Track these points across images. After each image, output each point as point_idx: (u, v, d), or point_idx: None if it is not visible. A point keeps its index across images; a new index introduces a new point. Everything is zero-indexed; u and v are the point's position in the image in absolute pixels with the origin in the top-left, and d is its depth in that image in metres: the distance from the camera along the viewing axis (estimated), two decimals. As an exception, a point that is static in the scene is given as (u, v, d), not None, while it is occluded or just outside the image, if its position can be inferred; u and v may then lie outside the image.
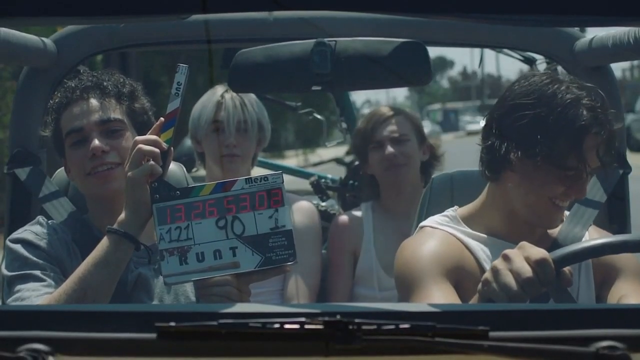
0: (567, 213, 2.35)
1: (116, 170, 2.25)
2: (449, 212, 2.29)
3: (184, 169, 2.60)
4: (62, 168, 2.66)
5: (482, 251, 2.18)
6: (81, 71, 2.49)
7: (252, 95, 3.27)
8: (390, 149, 3.23)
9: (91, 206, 2.36)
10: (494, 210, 2.22)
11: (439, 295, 2.05)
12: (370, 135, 3.28)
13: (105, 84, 2.33)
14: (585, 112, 2.06)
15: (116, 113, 2.31)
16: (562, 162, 2.06)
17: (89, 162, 2.25)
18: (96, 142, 2.24)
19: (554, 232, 2.27)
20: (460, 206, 2.32)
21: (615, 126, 2.14)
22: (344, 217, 3.38)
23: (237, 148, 3.21)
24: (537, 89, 2.10)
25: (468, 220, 2.25)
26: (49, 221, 2.33)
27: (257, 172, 3.49)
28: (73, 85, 2.34)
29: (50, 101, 2.39)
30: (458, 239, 2.21)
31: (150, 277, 2.27)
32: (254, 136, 3.25)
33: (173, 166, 2.57)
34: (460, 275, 2.13)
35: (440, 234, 2.21)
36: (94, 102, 2.30)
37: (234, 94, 3.20)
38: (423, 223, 2.30)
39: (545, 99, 2.08)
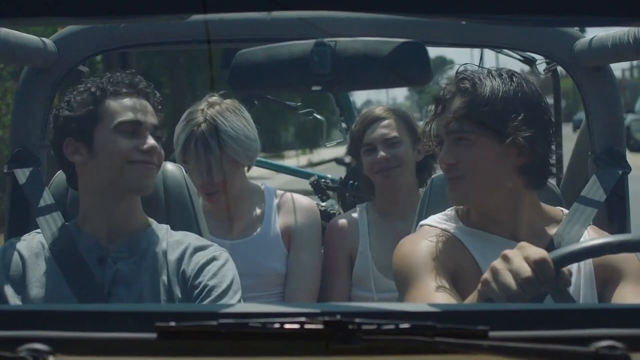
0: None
1: (155, 170, 2.37)
2: (448, 211, 2.35)
3: (183, 171, 2.59)
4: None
5: (476, 246, 2.22)
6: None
7: (230, 116, 2.96)
8: (382, 152, 3.17)
9: (89, 205, 2.36)
10: None
11: (435, 287, 2.08)
12: (362, 137, 3.22)
13: (146, 89, 2.41)
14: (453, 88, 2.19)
15: (158, 121, 2.41)
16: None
17: (139, 154, 2.32)
18: (152, 140, 2.35)
19: (553, 230, 2.28)
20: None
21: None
22: (339, 220, 3.34)
23: (211, 184, 2.98)
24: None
25: (464, 217, 2.30)
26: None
27: (255, 173, 3.46)
28: (118, 79, 2.39)
29: (80, 88, 2.38)
30: (454, 235, 2.25)
31: (130, 272, 2.27)
32: (231, 166, 2.98)
33: (172, 167, 2.57)
34: (456, 270, 2.17)
35: (438, 232, 2.26)
36: (145, 102, 2.38)
37: (208, 123, 2.92)
38: (422, 222, 2.35)
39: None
